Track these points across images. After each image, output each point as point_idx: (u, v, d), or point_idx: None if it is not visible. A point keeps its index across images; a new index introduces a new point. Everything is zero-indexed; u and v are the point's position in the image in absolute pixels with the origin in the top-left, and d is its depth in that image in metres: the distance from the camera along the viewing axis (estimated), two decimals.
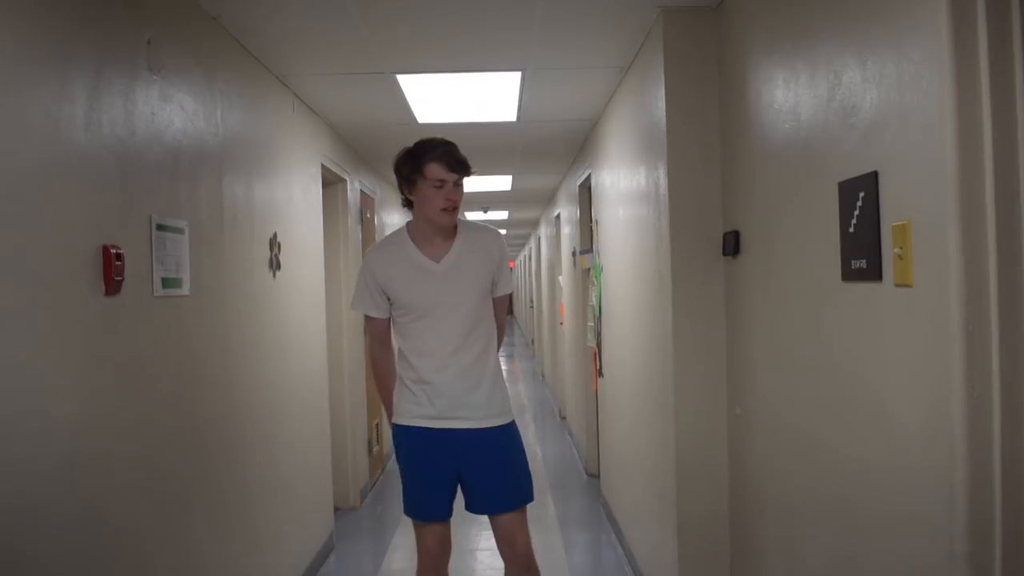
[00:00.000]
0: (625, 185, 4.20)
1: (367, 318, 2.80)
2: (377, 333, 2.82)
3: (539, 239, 12.87)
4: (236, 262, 3.41)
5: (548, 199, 9.66)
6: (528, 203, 10.23)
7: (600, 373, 5.41)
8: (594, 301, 5.40)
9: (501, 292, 2.77)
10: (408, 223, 2.76)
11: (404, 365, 2.75)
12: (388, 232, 7.81)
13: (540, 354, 13.29)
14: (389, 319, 2.76)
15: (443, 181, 2.62)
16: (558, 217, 8.57)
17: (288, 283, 4.18)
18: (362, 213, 6.17)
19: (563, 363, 8.77)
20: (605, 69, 4.05)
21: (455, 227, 2.73)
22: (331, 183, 5.56)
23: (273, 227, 4.01)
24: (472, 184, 8.14)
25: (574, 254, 6.92)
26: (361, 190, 6.21)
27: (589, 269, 5.84)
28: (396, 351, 2.80)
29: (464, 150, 2.80)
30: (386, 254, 2.72)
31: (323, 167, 5.06)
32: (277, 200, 4.05)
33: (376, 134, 5.47)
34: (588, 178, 5.77)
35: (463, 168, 2.65)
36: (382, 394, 2.84)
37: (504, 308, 2.79)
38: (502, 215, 11.70)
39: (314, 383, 4.67)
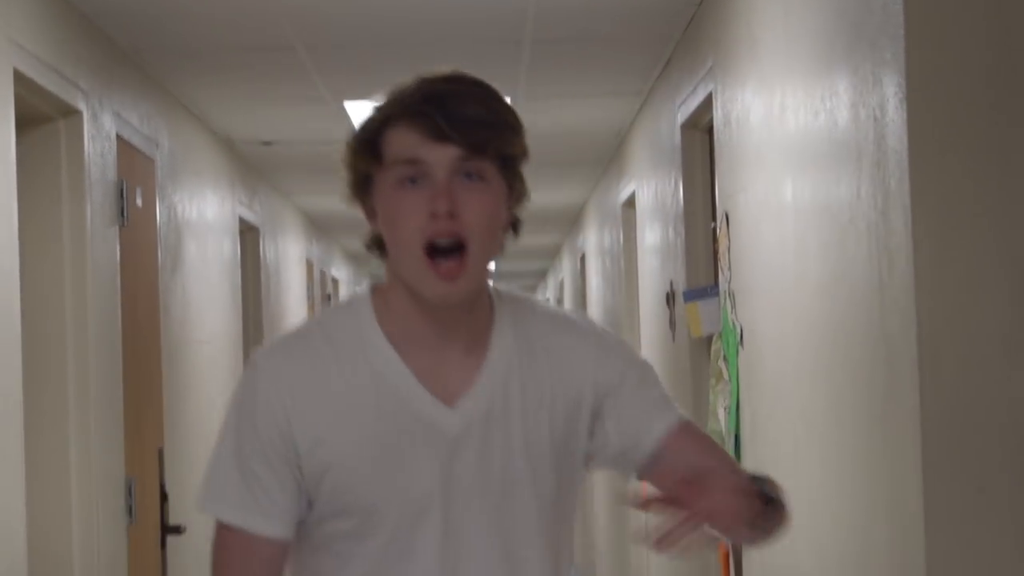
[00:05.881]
0: (798, 124, 3.53)
1: (226, 540, 2.15)
2: None
3: (578, 264, 11.29)
4: None
5: (602, 162, 8.47)
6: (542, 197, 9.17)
7: None
8: (722, 421, 4.47)
9: (659, 429, 2.19)
10: (375, 290, 2.19)
11: None
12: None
13: (590, 560, 10.43)
14: (286, 545, 2.16)
15: (418, 164, 2.03)
16: (629, 204, 7.24)
17: None
18: (123, 195, 4.89)
19: None
20: None
21: (487, 309, 2.18)
22: (41, 119, 4.36)
23: None
24: None
25: (670, 301, 5.64)
26: (120, 136, 4.92)
27: (711, 338, 4.78)
28: None
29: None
30: (319, 366, 2.13)
31: (19, 78, 3.96)
32: None
33: None
34: (705, 106, 4.77)
35: (473, 129, 2.04)
36: None
37: (710, 447, 2.26)
38: None
39: None
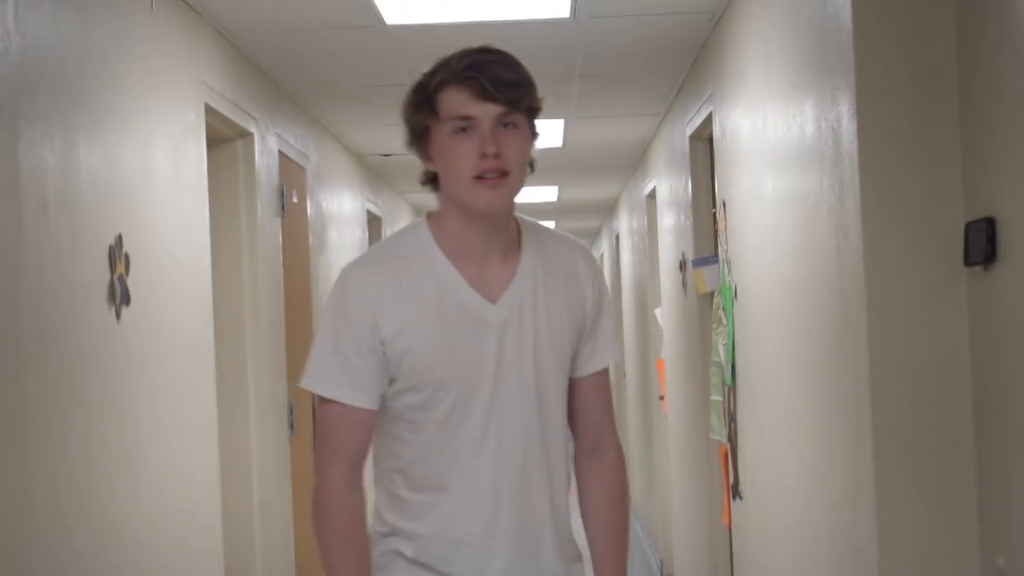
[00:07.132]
0: (776, 134, 3.82)
1: (328, 410, 2.32)
2: (349, 445, 2.32)
3: (614, 241, 11.88)
4: (44, 292, 3.05)
5: (631, 165, 9.19)
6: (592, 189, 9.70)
7: (735, 492, 4.83)
8: (722, 355, 4.92)
9: (601, 363, 2.48)
10: (430, 217, 2.36)
11: (401, 514, 2.37)
12: (339, 233, 7.08)
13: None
14: (372, 414, 2.33)
15: (469, 119, 2.21)
16: (651, 196, 7.99)
17: (146, 331, 3.74)
18: (283, 195, 5.60)
19: (667, 474, 7.84)
20: None
21: (516, 230, 2.38)
22: (224, 140, 5.01)
23: (115, 224, 3.54)
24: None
25: (682, 267, 6.28)
26: (281, 151, 5.63)
27: (712, 294, 5.32)
28: (385, 492, 2.42)
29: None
30: (394, 276, 2.31)
31: (209, 110, 4.56)
32: (123, 173, 3.66)
33: (308, 46, 5.02)
34: (707, 122, 5.32)
35: (509, 90, 2.22)
36: None
37: (608, 405, 2.51)
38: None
39: (194, 534, 4.27)
